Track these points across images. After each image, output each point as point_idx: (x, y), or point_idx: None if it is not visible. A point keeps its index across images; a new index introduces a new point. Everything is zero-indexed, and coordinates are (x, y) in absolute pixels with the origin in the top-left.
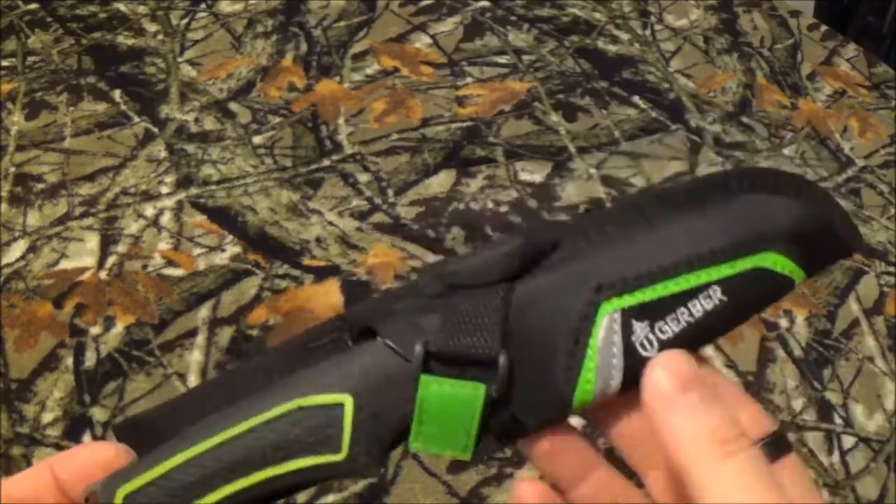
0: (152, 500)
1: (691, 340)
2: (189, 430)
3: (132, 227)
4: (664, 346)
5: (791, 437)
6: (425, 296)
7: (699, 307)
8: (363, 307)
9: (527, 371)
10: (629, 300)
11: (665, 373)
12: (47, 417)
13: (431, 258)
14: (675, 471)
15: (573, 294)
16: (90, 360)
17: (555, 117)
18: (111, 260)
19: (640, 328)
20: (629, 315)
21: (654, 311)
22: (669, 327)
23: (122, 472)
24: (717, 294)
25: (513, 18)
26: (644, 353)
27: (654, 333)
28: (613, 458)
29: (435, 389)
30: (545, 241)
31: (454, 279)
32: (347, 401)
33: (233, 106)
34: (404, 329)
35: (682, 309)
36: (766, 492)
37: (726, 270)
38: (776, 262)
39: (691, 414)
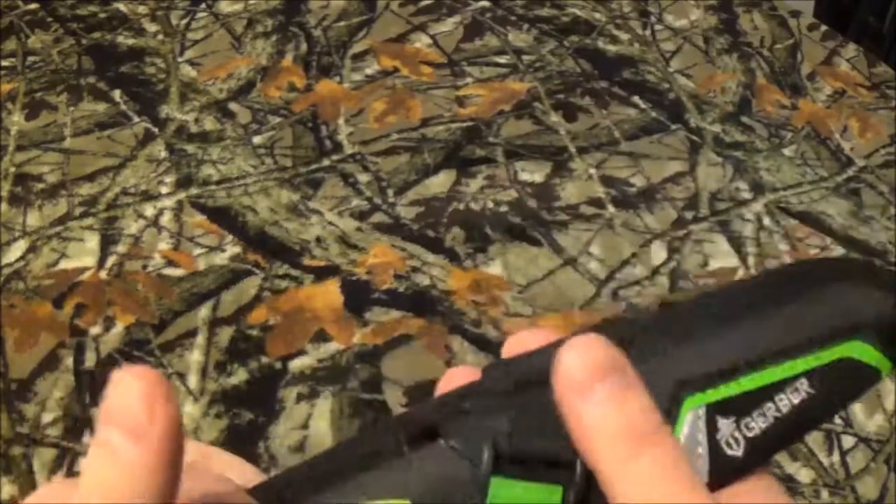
0: None
1: (779, 438)
2: None
3: (132, 227)
4: (750, 444)
5: None
6: (493, 394)
7: (786, 401)
8: (421, 408)
9: None
10: (713, 395)
11: (578, 359)
12: (47, 417)
13: (431, 258)
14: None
15: (654, 390)
16: (90, 360)
17: (555, 117)
18: (111, 260)
19: (725, 425)
20: (714, 411)
21: (739, 407)
22: (756, 423)
23: None
24: (804, 386)
25: (513, 18)
26: (730, 453)
27: (739, 431)
28: None
29: (507, 493)
30: (619, 338)
31: (526, 376)
32: None
33: (233, 106)
34: (470, 430)
35: (769, 404)
36: (681, 488)
37: (812, 361)
38: (863, 351)
39: (604, 406)
